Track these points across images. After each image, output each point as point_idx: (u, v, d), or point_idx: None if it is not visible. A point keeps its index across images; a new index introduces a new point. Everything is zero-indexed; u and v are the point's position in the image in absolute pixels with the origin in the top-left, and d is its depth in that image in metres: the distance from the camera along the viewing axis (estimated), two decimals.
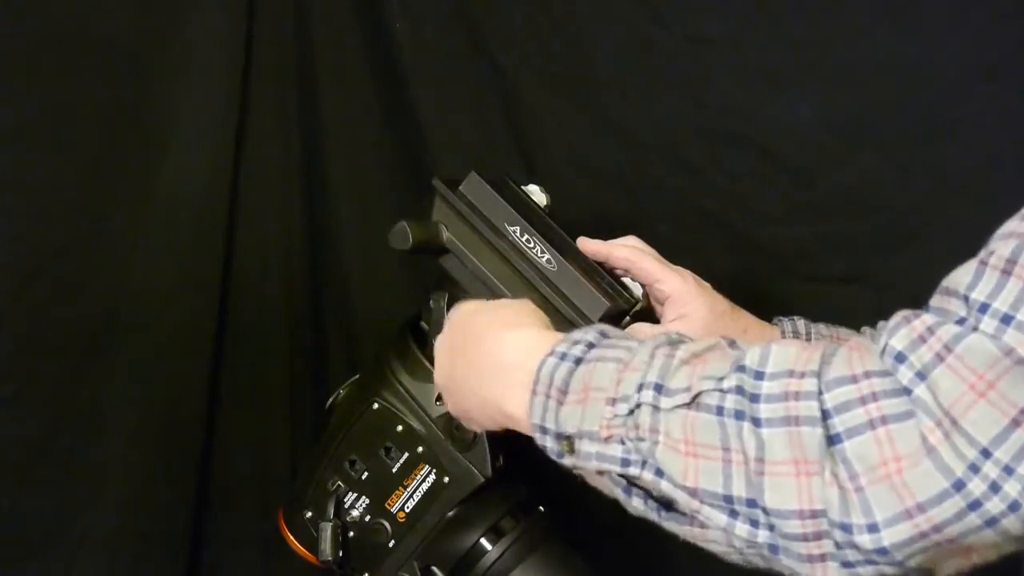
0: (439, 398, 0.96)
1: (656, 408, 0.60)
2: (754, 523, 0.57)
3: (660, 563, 1.31)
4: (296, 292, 1.47)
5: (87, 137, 1.22)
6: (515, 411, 0.71)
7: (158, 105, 1.28)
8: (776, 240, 1.20)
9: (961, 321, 0.53)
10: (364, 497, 0.98)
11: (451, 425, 0.94)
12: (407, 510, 0.96)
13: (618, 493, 0.66)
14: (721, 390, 0.58)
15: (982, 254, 0.55)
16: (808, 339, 0.97)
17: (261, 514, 1.43)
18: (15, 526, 1.21)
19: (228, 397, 1.41)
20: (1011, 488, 0.50)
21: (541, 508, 1.00)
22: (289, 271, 1.46)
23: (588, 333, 0.69)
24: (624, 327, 0.98)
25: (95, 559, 1.26)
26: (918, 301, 1.17)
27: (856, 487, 0.53)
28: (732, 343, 0.63)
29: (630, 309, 0.96)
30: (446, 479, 0.95)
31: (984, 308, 0.52)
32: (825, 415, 0.54)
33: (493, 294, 0.92)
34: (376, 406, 0.97)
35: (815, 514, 0.54)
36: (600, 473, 0.66)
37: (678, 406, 0.59)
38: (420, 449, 0.95)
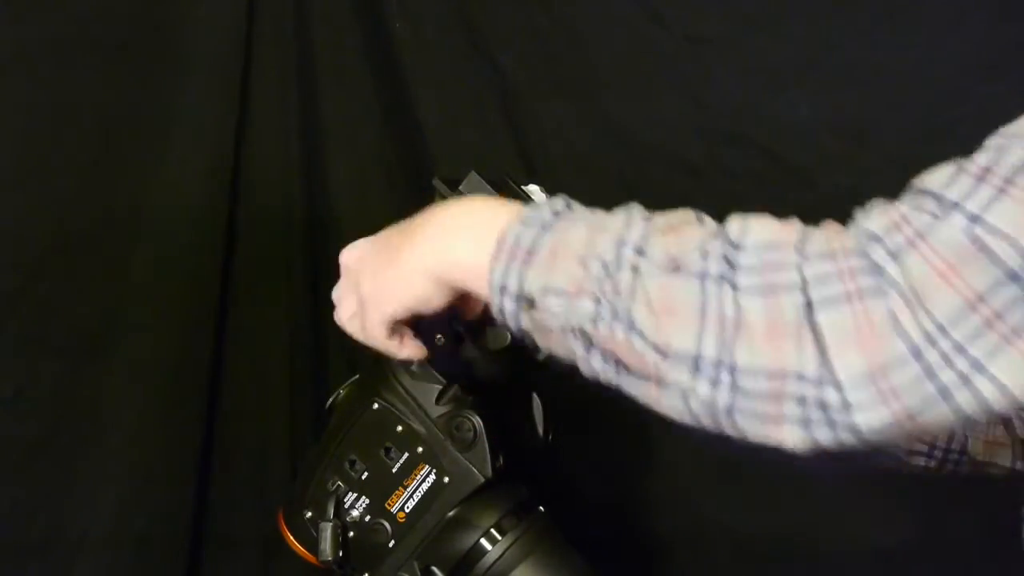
0: (439, 398, 0.96)
1: (636, 269, 0.62)
2: (716, 383, 0.59)
3: (660, 563, 1.31)
4: (296, 292, 1.47)
5: (87, 137, 1.22)
6: (465, 257, 0.69)
7: (158, 105, 1.28)
8: None
9: (934, 215, 0.57)
10: (364, 497, 0.98)
11: (451, 425, 0.94)
12: (407, 510, 0.96)
13: (577, 350, 0.66)
14: (705, 258, 0.60)
15: (960, 161, 0.59)
16: None
17: (261, 514, 1.43)
18: (15, 526, 1.21)
19: (228, 397, 1.41)
20: (962, 365, 0.54)
21: (541, 508, 1.00)
22: (289, 271, 1.46)
23: (554, 202, 0.68)
24: None
25: (95, 559, 1.26)
26: None
27: (827, 351, 0.56)
28: (700, 216, 0.65)
29: None
30: (446, 479, 0.95)
31: (956, 207, 0.56)
32: (804, 285, 0.57)
33: None
34: (376, 406, 0.97)
35: (784, 374, 0.57)
36: (563, 332, 0.66)
37: (660, 270, 0.61)
38: (420, 449, 0.95)
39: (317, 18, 1.39)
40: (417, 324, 0.97)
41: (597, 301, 0.63)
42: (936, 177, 0.59)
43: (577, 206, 0.69)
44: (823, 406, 0.57)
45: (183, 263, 1.32)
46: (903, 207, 0.59)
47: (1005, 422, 0.93)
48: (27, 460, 1.20)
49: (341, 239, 1.46)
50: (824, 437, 0.58)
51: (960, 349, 0.54)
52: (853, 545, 1.20)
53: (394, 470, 0.96)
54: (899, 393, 0.55)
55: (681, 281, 0.60)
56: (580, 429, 1.33)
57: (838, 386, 0.56)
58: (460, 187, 0.94)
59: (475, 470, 0.94)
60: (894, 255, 0.57)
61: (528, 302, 0.66)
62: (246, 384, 1.43)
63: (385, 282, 0.77)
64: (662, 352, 0.61)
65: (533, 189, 1.01)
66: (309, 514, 1.00)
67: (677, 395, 0.62)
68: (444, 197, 0.94)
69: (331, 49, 1.40)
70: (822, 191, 1.17)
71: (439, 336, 0.94)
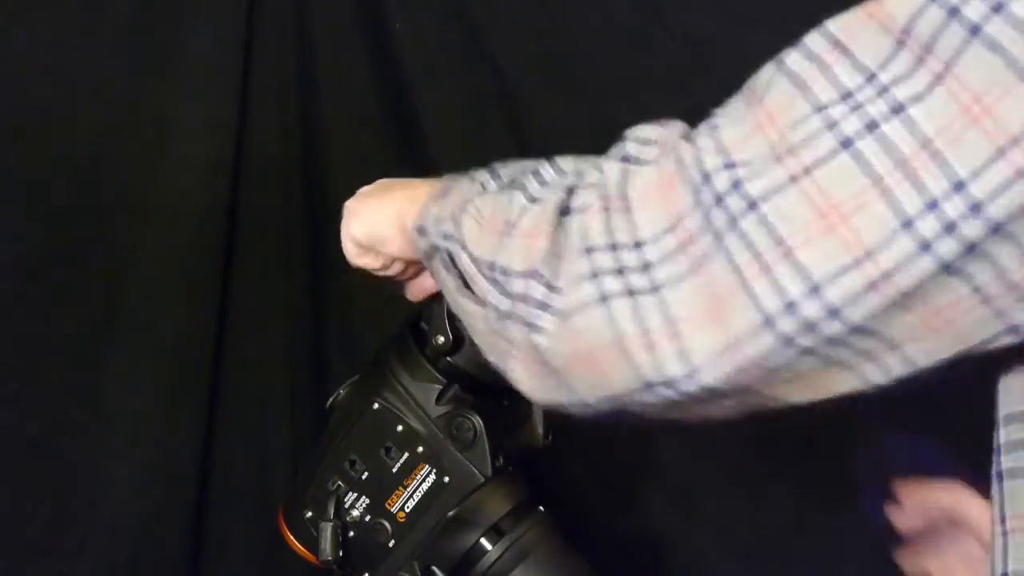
0: (439, 397, 0.96)
1: (484, 187, 0.69)
2: (503, 291, 0.60)
3: (660, 563, 1.31)
4: (296, 292, 1.47)
5: (87, 137, 1.22)
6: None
7: (158, 105, 1.28)
8: None
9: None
10: (364, 497, 0.98)
11: (451, 425, 0.94)
12: (407, 510, 0.96)
13: (442, 271, 0.69)
14: (534, 177, 0.65)
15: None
16: None
17: (261, 514, 1.43)
18: (15, 526, 1.21)
19: (228, 397, 1.41)
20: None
21: (541, 508, 1.00)
22: (289, 271, 1.46)
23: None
24: None
25: (95, 559, 1.26)
26: None
27: (563, 252, 0.57)
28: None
29: None
30: (446, 479, 0.95)
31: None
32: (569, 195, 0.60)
33: None
34: (376, 406, 0.97)
35: (531, 274, 0.58)
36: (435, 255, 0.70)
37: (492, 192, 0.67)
38: (420, 449, 0.95)
39: (317, 18, 1.39)
40: (421, 318, 0.98)
41: (449, 224, 0.67)
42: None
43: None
44: (550, 307, 0.57)
45: (183, 262, 1.32)
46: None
47: None
48: (27, 460, 1.20)
49: (341, 239, 1.47)
50: (550, 328, 0.57)
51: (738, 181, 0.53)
52: (854, 544, 1.20)
53: (394, 470, 0.96)
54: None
55: (500, 197, 0.65)
56: (580, 429, 1.33)
57: (552, 286, 0.57)
58: None
59: (475, 470, 0.94)
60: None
61: (423, 235, 0.71)
62: (246, 384, 1.43)
63: (365, 205, 0.86)
64: (475, 262, 0.63)
65: None
66: (309, 514, 1.00)
67: (489, 311, 0.62)
68: None
69: (331, 49, 1.40)
70: None
71: (439, 336, 0.94)
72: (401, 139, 1.40)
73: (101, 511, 1.27)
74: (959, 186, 0.46)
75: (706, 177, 0.53)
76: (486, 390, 0.97)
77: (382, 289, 1.44)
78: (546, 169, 0.66)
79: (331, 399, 1.05)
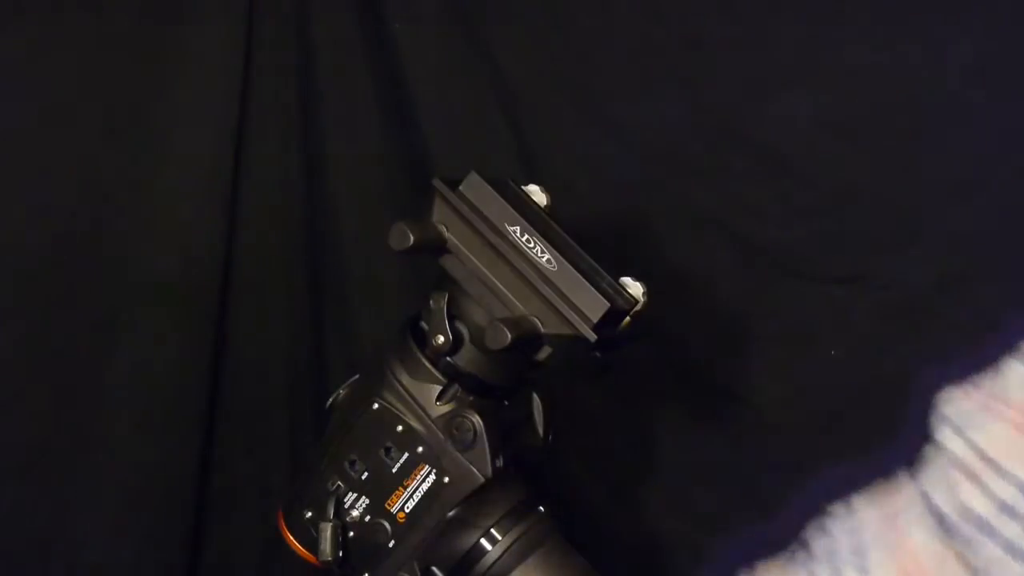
0: (439, 397, 0.96)
1: None
2: None
3: (660, 563, 1.31)
4: (296, 293, 1.47)
5: (87, 137, 1.22)
6: None
7: (158, 105, 1.28)
8: (776, 240, 1.20)
9: None
10: (364, 497, 0.98)
11: (451, 425, 0.94)
12: (407, 510, 0.96)
13: None
14: None
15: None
16: None
17: (261, 514, 1.43)
18: (15, 526, 1.21)
19: (228, 397, 1.41)
20: None
21: (541, 508, 1.00)
22: (289, 272, 1.46)
23: None
24: (624, 327, 0.98)
25: (95, 559, 1.26)
26: (918, 301, 1.18)
27: None
28: None
29: (630, 309, 0.96)
30: (446, 479, 0.95)
31: None
32: None
33: (493, 294, 0.92)
34: (376, 406, 0.97)
35: None
36: None
37: None
38: (420, 449, 0.95)
39: (317, 18, 1.39)
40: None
41: None
42: None
43: None
44: None
45: (183, 263, 1.32)
46: None
47: None
48: (27, 460, 1.20)
49: (341, 239, 1.48)
50: None
51: None
52: None
53: (394, 470, 0.96)
54: None
55: None
56: (580, 429, 1.33)
57: None
58: (460, 187, 0.94)
59: (475, 470, 0.94)
60: None
61: None
62: (246, 384, 1.43)
63: None
64: None
65: (533, 189, 1.01)
66: (309, 514, 1.00)
67: None
68: (444, 197, 0.94)
69: (331, 49, 1.40)
70: (822, 191, 1.17)
71: (439, 336, 0.95)
72: (401, 139, 1.40)
73: (101, 511, 1.27)
74: None
75: None
76: (486, 390, 0.97)
77: (382, 289, 1.45)
78: None
79: (331, 399, 1.05)
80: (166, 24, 1.27)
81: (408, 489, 0.96)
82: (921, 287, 1.12)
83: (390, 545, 0.97)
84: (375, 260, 1.43)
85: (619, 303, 0.94)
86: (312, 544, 0.99)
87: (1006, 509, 0.58)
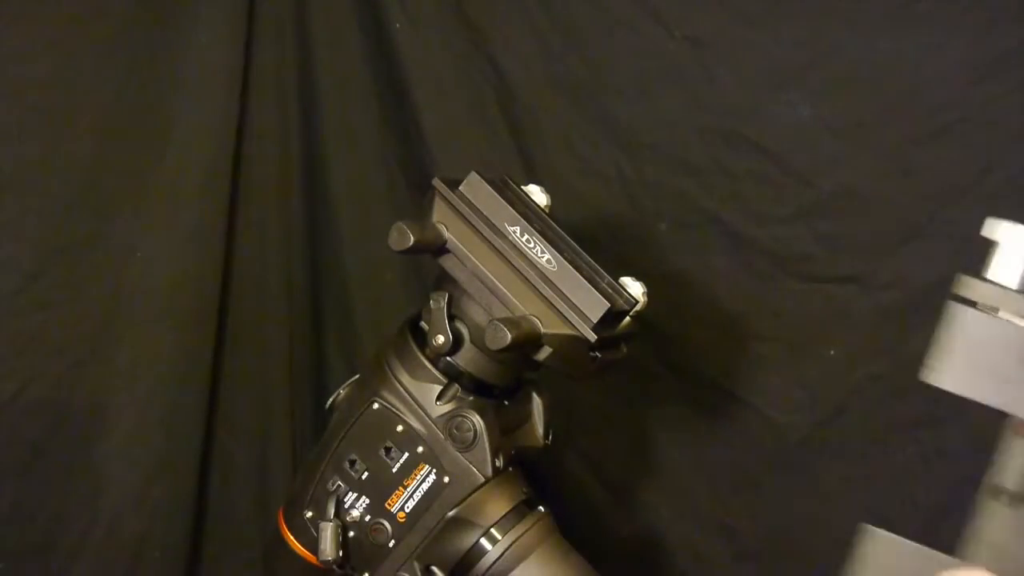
0: (439, 397, 0.96)
1: None
2: None
3: (660, 563, 1.31)
4: (296, 292, 1.47)
5: (87, 137, 1.22)
6: None
7: (158, 105, 1.28)
8: (776, 240, 1.20)
9: None
10: (364, 497, 0.98)
11: (451, 425, 0.94)
12: (407, 510, 0.96)
13: None
14: None
15: None
16: None
17: (261, 514, 1.43)
18: (15, 526, 1.21)
19: (228, 397, 1.41)
20: None
21: (541, 508, 1.00)
22: (289, 271, 1.46)
23: None
24: (624, 328, 0.98)
25: (95, 559, 1.26)
26: (918, 301, 1.18)
27: None
28: None
29: (630, 309, 0.96)
30: (446, 479, 0.95)
31: None
32: None
33: (493, 294, 0.92)
34: (376, 406, 0.97)
35: None
36: None
37: None
38: (420, 449, 0.95)
39: (317, 18, 1.39)
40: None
41: None
42: None
43: None
44: None
45: (183, 263, 1.32)
46: None
47: None
48: (27, 460, 1.20)
49: (341, 239, 1.48)
50: None
51: None
52: (853, 544, 1.20)
53: (394, 470, 0.96)
54: None
55: None
56: (581, 429, 1.33)
57: None
58: (460, 187, 0.95)
59: (475, 470, 0.94)
60: None
61: None
62: (246, 384, 1.43)
63: None
64: None
65: (533, 189, 1.01)
66: (309, 514, 1.00)
67: None
68: (444, 197, 0.94)
69: (331, 49, 1.40)
70: (822, 191, 1.17)
71: (439, 336, 0.95)
72: (401, 139, 1.40)
73: (101, 511, 1.27)
74: None
75: None
76: (486, 390, 0.97)
77: (382, 289, 1.45)
78: None
79: (331, 399, 1.05)
80: (166, 24, 1.27)
81: (408, 489, 0.96)
82: (921, 287, 1.12)
83: (390, 545, 0.97)
84: (375, 260, 1.43)
85: (619, 303, 0.94)
86: (312, 544, 0.99)
87: None
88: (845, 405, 1.18)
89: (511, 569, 0.96)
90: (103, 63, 1.22)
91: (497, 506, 0.97)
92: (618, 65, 1.25)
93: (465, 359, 0.96)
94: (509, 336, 0.86)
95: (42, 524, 1.23)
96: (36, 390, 1.19)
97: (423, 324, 0.98)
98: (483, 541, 0.96)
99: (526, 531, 0.97)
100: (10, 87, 1.14)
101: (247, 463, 1.45)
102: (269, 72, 1.39)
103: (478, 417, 0.93)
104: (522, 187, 1.00)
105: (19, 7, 1.13)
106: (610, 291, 0.93)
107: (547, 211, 0.99)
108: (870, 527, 0.81)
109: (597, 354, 0.94)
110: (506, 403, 1.00)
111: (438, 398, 0.95)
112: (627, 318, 0.98)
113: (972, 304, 0.74)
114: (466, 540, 0.96)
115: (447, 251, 0.93)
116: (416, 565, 0.97)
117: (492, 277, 0.92)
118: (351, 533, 0.98)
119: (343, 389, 1.05)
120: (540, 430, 1.04)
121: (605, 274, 0.95)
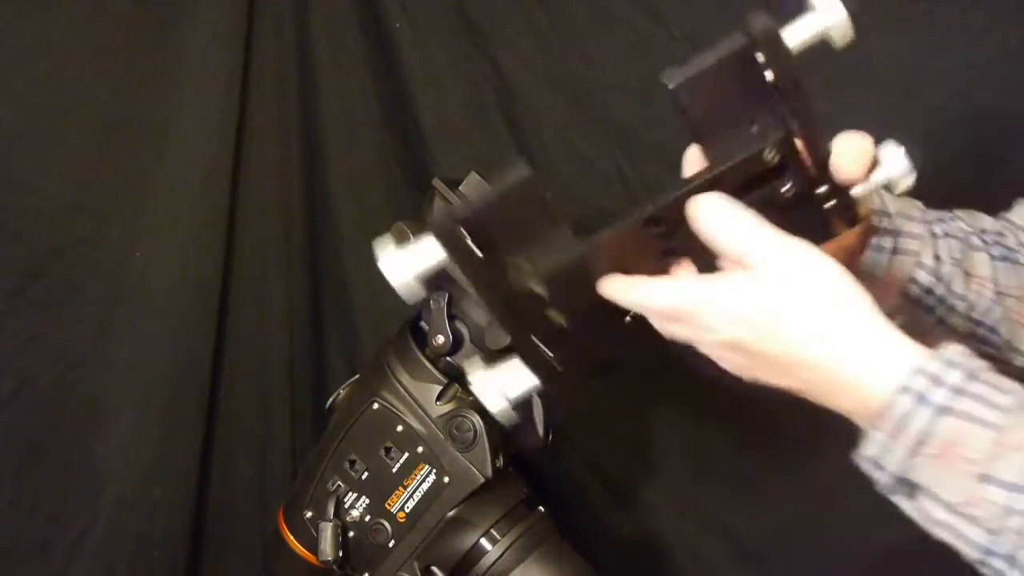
0: (439, 397, 0.96)
1: None
2: None
3: (660, 563, 1.31)
4: (296, 292, 1.47)
5: (87, 137, 1.22)
6: (847, 408, 0.67)
7: (158, 105, 1.28)
8: None
9: None
10: (364, 497, 0.98)
11: (451, 425, 0.94)
12: (407, 510, 0.96)
13: (963, 550, 0.61)
14: None
15: None
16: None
17: (261, 514, 1.43)
18: (15, 526, 1.20)
19: (228, 397, 1.41)
20: None
21: (541, 508, 1.00)
22: (289, 271, 1.46)
23: (953, 370, 0.61)
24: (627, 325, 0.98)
25: (95, 559, 1.26)
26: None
27: None
28: None
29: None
30: (446, 479, 0.95)
31: None
32: None
33: None
34: (376, 406, 0.97)
35: None
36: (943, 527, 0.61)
37: None
38: (420, 449, 0.95)
39: (317, 18, 1.39)
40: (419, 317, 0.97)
41: (994, 535, 0.58)
42: None
43: (982, 374, 0.61)
44: None
45: (183, 263, 1.32)
46: None
47: None
48: (27, 460, 1.20)
49: (341, 240, 1.48)
50: None
51: None
52: (854, 544, 1.20)
53: (394, 470, 0.96)
54: None
55: None
56: (581, 429, 1.33)
57: None
58: (460, 187, 0.94)
59: (475, 470, 0.95)
60: None
61: (908, 489, 0.62)
62: (246, 384, 1.43)
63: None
64: None
65: None
66: (309, 514, 1.00)
67: None
68: (444, 197, 0.94)
69: (331, 49, 1.40)
70: None
71: (439, 336, 0.94)
72: (401, 139, 1.40)
73: (101, 511, 1.27)
74: None
75: None
76: None
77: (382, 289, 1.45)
78: None
79: (331, 399, 1.05)
80: (166, 24, 1.27)
81: (408, 489, 0.96)
82: None
83: (390, 545, 0.97)
84: (375, 260, 1.43)
85: None
86: (312, 544, 0.99)
87: None
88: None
89: (511, 569, 0.96)
90: (103, 63, 1.22)
91: (497, 506, 0.97)
92: (618, 65, 1.25)
93: (465, 359, 0.96)
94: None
95: (40, 523, 1.23)
96: (35, 389, 1.19)
97: (423, 324, 0.98)
98: (483, 541, 0.96)
99: (526, 531, 0.97)
100: (10, 87, 1.14)
101: (247, 463, 1.45)
102: (269, 72, 1.39)
103: (478, 417, 0.94)
104: None
105: (19, 7, 1.13)
106: None
107: None
108: None
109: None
110: None
111: (438, 398, 0.95)
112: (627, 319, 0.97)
113: None
114: (466, 540, 0.96)
115: None
116: (416, 565, 0.97)
117: None
118: (351, 533, 0.98)
119: (343, 389, 1.05)
120: (540, 430, 1.04)
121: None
